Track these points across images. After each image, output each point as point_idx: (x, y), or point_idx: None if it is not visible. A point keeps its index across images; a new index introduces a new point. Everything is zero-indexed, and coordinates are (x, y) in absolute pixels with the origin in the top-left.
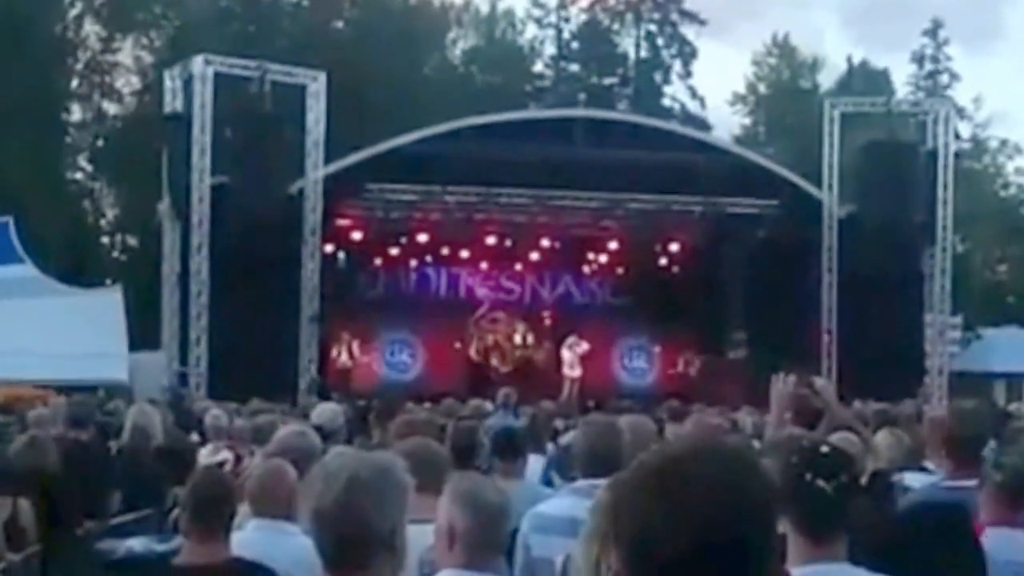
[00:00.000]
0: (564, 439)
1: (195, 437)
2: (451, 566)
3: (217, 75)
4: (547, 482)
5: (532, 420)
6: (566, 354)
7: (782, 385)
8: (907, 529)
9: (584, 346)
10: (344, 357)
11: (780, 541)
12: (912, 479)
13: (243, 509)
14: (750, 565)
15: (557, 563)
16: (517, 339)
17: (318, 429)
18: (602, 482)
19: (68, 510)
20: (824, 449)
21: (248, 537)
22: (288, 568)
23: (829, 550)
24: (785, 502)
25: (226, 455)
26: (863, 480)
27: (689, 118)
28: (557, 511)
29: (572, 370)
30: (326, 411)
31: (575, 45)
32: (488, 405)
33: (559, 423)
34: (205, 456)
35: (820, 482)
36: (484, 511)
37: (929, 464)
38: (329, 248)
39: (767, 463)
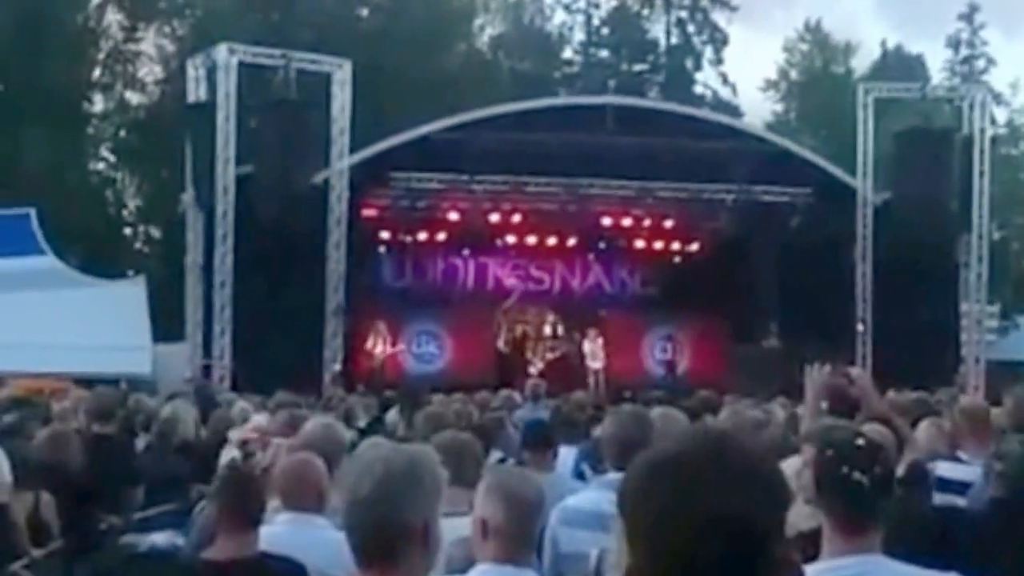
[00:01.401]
0: (596, 431)
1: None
2: (486, 560)
3: (241, 64)
4: (579, 475)
5: (557, 411)
6: (587, 346)
7: (817, 375)
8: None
9: (599, 340)
10: (370, 349)
11: (814, 533)
12: (945, 468)
13: (273, 503)
14: (759, 555)
15: (592, 556)
16: (547, 330)
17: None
18: None
19: (91, 505)
20: (859, 441)
21: (278, 531)
22: (318, 562)
23: (864, 542)
24: (820, 494)
25: (251, 435)
26: (899, 471)
27: (720, 105)
28: (585, 505)
29: (594, 361)
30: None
31: (605, 31)
32: (517, 396)
33: (591, 414)
34: (234, 436)
35: (856, 474)
36: (517, 505)
37: (963, 454)
38: (355, 238)
39: (804, 453)
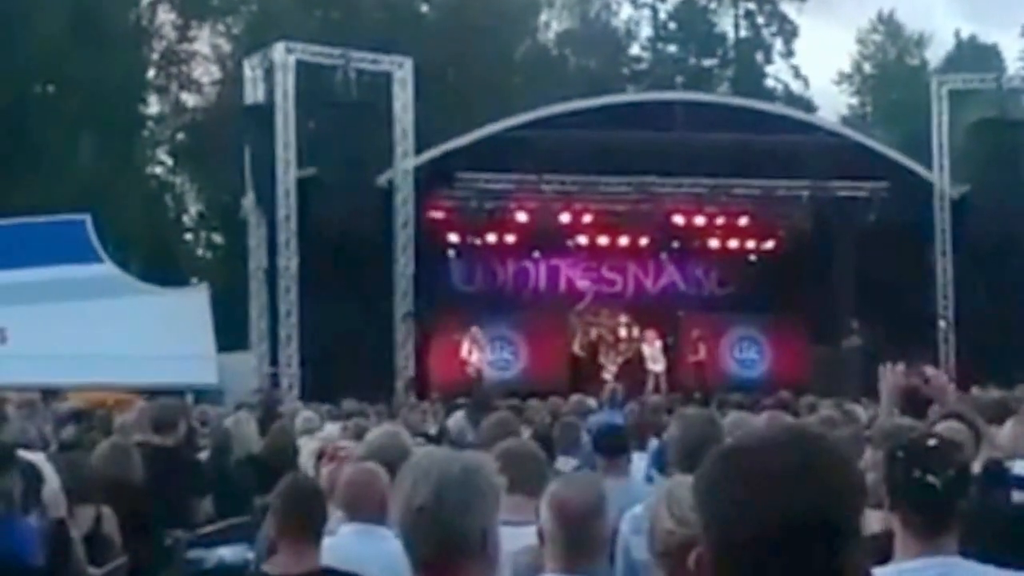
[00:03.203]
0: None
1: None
2: (548, 570)
3: (299, 63)
4: (649, 479)
5: (634, 415)
6: (647, 349)
7: (891, 375)
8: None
9: (658, 342)
10: (442, 355)
11: (886, 535)
12: (1022, 467)
13: (336, 514)
14: (831, 550)
15: None
16: (622, 332)
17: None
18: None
19: (154, 519)
20: (932, 442)
21: (341, 542)
22: (383, 572)
23: (938, 544)
24: (892, 497)
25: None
26: (974, 470)
27: (793, 99)
28: None
29: (655, 364)
30: (458, 419)
31: (672, 26)
32: (592, 401)
33: (665, 418)
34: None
35: (929, 477)
36: (567, 513)
37: None
38: (422, 241)
39: (875, 454)
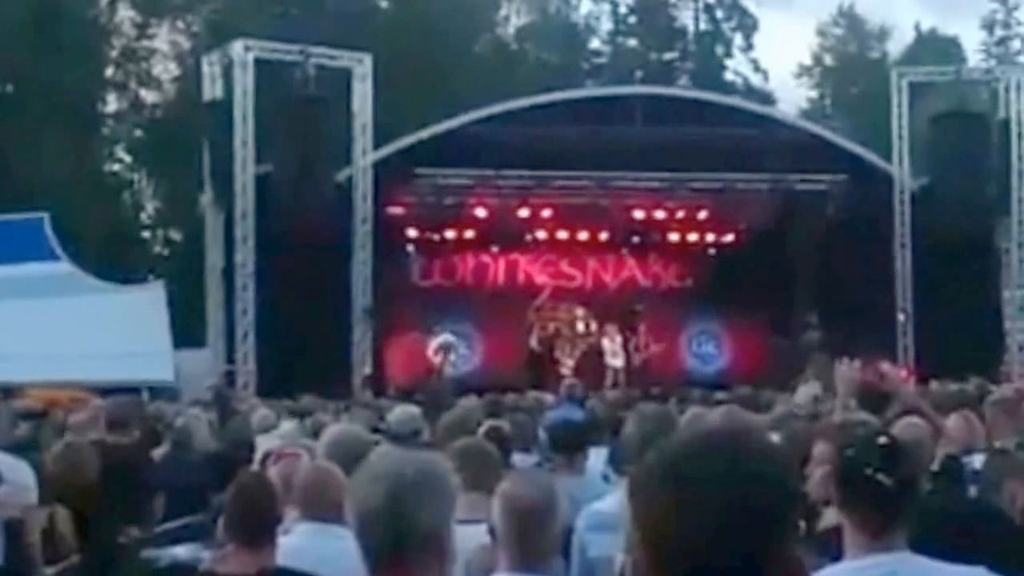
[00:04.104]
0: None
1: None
2: (500, 569)
3: (258, 60)
4: (605, 477)
5: (592, 412)
6: (606, 343)
7: (847, 370)
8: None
9: (618, 337)
10: (399, 350)
11: (836, 531)
12: (980, 461)
13: (292, 513)
14: (766, 557)
15: (617, 562)
16: (580, 327)
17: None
18: None
19: (109, 518)
20: (882, 440)
21: (297, 541)
22: (340, 572)
23: (888, 541)
24: (842, 494)
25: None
26: (933, 466)
27: (752, 92)
28: (612, 508)
29: (614, 359)
30: (402, 414)
31: (632, 20)
32: (549, 397)
33: (624, 414)
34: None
35: (880, 475)
36: (518, 512)
37: (998, 445)
38: (380, 237)
39: (825, 448)
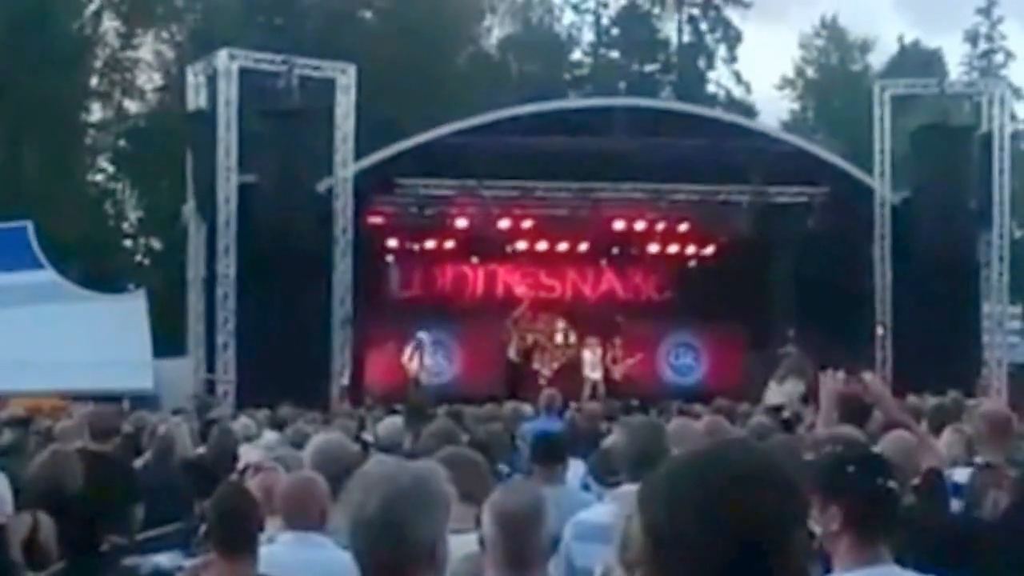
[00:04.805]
0: (605, 443)
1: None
2: None
3: (242, 70)
4: (586, 487)
5: (571, 423)
6: (587, 355)
7: (831, 381)
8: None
9: (598, 349)
10: (378, 360)
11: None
12: (962, 474)
13: (275, 522)
14: (779, 563)
15: (596, 573)
16: (559, 338)
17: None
18: None
19: (92, 526)
20: (871, 449)
21: (279, 550)
22: None
23: (875, 551)
24: (829, 504)
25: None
26: (916, 480)
27: (735, 104)
28: (599, 518)
29: (594, 372)
30: (388, 426)
31: (615, 31)
32: (527, 408)
33: (604, 426)
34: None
35: (869, 481)
36: (506, 520)
37: (980, 459)
38: (361, 247)
39: (814, 460)
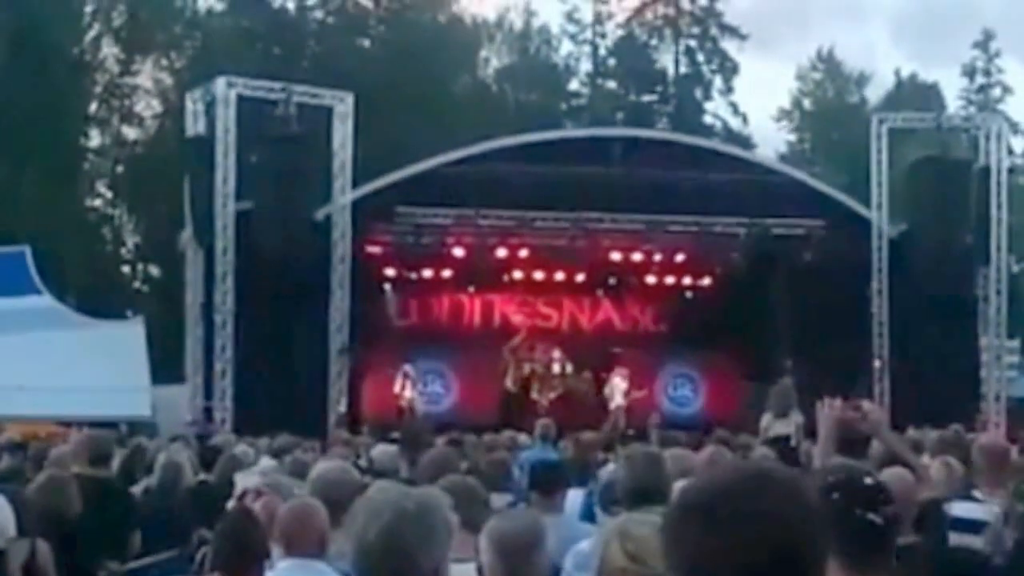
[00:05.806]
0: (605, 472)
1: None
2: None
3: (240, 97)
4: (589, 517)
5: (572, 452)
6: (617, 381)
7: (828, 410)
8: None
9: (626, 382)
10: (375, 389)
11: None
12: (961, 508)
13: (275, 549)
14: None
15: None
16: (555, 368)
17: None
18: (647, 515)
19: (88, 551)
20: (868, 480)
21: None
22: None
23: None
24: (828, 533)
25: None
26: (914, 511)
27: (731, 136)
28: None
29: (620, 400)
30: (382, 453)
31: (612, 62)
32: (523, 437)
33: (601, 455)
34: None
35: (868, 515)
36: (505, 548)
37: (978, 493)
38: (359, 276)
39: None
